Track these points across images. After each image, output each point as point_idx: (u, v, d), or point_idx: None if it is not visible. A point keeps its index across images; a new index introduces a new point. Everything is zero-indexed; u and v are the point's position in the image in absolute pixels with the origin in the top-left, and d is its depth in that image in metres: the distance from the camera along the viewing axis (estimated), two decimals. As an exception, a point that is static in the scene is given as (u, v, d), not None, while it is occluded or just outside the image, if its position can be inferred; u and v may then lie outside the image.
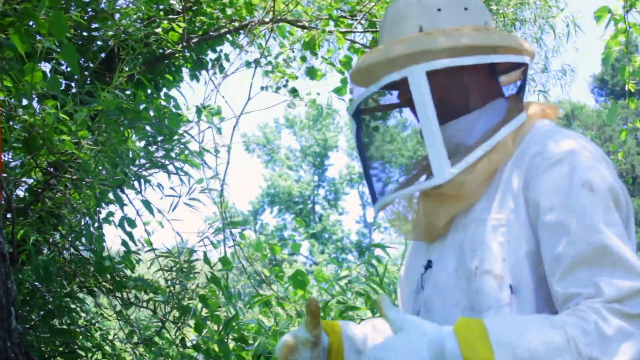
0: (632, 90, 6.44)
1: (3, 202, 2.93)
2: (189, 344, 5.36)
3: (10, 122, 4.37)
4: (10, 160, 4.60)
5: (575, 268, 1.93)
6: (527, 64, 2.29)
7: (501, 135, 2.18)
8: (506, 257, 2.04)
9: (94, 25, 6.19)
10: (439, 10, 2.29)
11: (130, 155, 4.62)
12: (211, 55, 7.46)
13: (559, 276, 1.96)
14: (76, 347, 4.81)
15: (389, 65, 2.24)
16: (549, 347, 1.85)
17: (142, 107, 5.68)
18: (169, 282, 5.19)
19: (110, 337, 5.26)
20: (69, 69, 5.73)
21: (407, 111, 2.35)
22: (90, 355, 4.92)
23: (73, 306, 4.84)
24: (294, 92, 7.86)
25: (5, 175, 4.21)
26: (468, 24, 2.26)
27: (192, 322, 5.25)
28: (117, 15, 6.38)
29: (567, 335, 1.86)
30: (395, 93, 2.42)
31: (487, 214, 2.11)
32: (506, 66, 2.37)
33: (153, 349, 5.20)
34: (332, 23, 7.16)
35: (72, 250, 4.89)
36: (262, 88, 7.69)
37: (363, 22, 7.30)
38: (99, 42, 6.35)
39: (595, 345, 1.85)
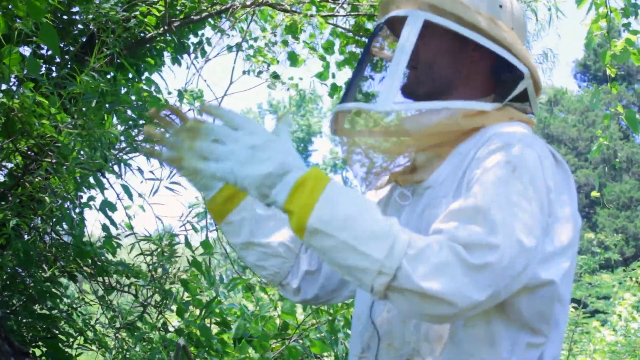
0: (613, 75, 6.45)
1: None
2: (171, 328, 5.35)
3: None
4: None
5: (453, 213, 1.94)
6: (524, 75, 2.26)
7: (452, 104, 2.21)
8: None
9: (75, 9, 6.14)
10: None
11: (110, 139, 4.59)
12: (193, 39, 7.42)
13: (439, 218, 1.98)
14: (58, 332, 4.79)
15: (403, 2, 2.30)
16: (367, 228, 1.87)
17: (123, 91, 5.65)
18: (150, 267, 5.17)
19: (92, 322, 5.23)
20: (49, 53, 5.69)
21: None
22: (72, 340, 4.90)
23: (54, 291, 4.82)
24: (275, 76, 7.86)
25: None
26: (493, 15, 2.28)
27: (174, 307, 5.23)
28: (98, -1, 6.34)
29: (392, 233, 1.87)
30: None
31: (444, 197, 2.14)
32: (507, 79, 2.34)
33: (135, 333, 5.18)
34: (314, 7, 7.14)
35: (52, 234, 4.87)
36: (244, 72, 7.66)
37: (345, 6, 7.27)
38: (79, 26, 6.30)
39: (410, 259, 1.84)
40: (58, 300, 4.87)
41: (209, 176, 1.98)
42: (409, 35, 2.21)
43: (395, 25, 2.42)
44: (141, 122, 4.96)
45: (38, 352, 4.62)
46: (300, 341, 5.42)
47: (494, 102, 2.29)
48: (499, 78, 2.33)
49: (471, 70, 2.32)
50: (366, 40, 7.31)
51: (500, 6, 2.32)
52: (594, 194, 7.26)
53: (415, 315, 1.95)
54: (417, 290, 1.83)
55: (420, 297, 1.84)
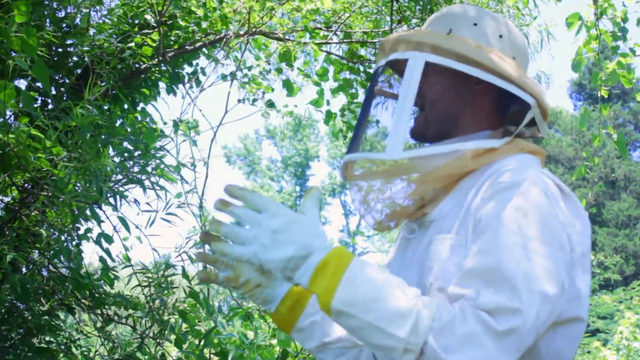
0: (606, 96, 6.49)
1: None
2: (170, 359, 5.34)
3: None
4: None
5: (471, 275, 1.94)
6: (531, 105, 2.25)
7: (462, 146, 2.20)
8: None
9: (69, 41, 6.17)
10: (475, 25, 2.33)
11: (107, 171, 4.61)
12: (187, 69, 7.44)
13: (456, 280, 1.98)
14: (57, 365, 4.80)
15: (401, 45, 2.32)
16: (389, 308, 1.88)
17: (118, 122, 5.67)
18: (148, 298, 5.17)
19: (91, 354, 5.24)
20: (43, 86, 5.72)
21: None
22: (71, 372, 4.91)
23: (53, 324, 4.82)
24: (270, 104, 7.87)
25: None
26: (496, 48, 2.30)
27: (172, 338, 5.23)
28: (93, 31, 6.37)
29: (416, 310, 1.88)
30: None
31: (448, 232, 2.12)
32: (514, 110, 2.37)
33: (134, 364, 5.20)
34: (307, 35, 7.17)
35: (50, 267, 4.88)
36: (239, 101, 7.66)
37: (339, 33, 7.30)
38: (74, 58, 6.33)
39: (435, 333, 1.86)
40: (57, 333, 4.87)
41: (236, 259, 2.03)
42: (412, 79, 2.23)
43: (396, 66, 2.44)
44: (136, 153, 4.97)
45: (37, 386, 4.62)
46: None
47: (503, 135, 2.29)
48: (505, 110, 2.35)
49: (476, 105, 2.33)
50: (360, 66, 7.35)
51: (500, 36, 2.33)
52: (582, 203, 7.25)
53: None
54: None
55: None
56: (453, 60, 2.22)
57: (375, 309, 1.88)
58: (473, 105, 2.32)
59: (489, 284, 1.90)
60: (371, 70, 6.99)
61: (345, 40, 7.32)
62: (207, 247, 2.22)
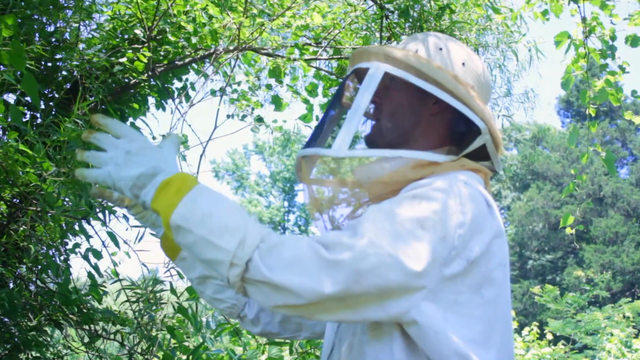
0: (594, 114, 6.53)
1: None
2: (158, 375, 5.33)
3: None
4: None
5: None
6: (481, 130, 2.30)
7: (405, 153, 2.26)
8: None
9: (58, 56, 6.17)
10: (440, 49, 2.42)
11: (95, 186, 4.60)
12: (177, 84, 7.45)
13: None
14: (44, 380, 4.78)
15: (367, 56, 2.40)
16: (221, 223, 1.98)
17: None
18: (137, 314, 5.17)
19: (78, 370, 5.24)
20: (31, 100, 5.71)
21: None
22: (58, 388, 4.89)
23: (40, 339, 4.80)
24: (259, 120, 7.89)
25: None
26: (454, 72, 2.35)
27: (160, 354, 5.22)
28: (82, 45, 6.37)
29: (246, 227, 1.97)
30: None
31: None
32: (464, 132, 2.38)
33: (122, 380, 5.18)
34: (297, 51, 7.18)
35: (38, 282, 4.86)
36: (228, 116, 7.67)
37: (328, 49, 7.31)
38: (63, 72, 6.32)
39: (262, 251, 1.94)
40: (44, 349, 4.85)
41: (93, 180, 2.16)
42: (369, 86, 2.31)
43: (357, 77, 2.52)
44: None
45: (24, 402, 4.60)
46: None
47: (449, 154, 2.32)
48: (456, 132, 2.39)
49: (429, 123, 2.39)
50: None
51: (463, 64, 2.41)
52: (569, 220, 7.24)
53: (268, 306, 1.98)
54: (267, 282, 1.92)
55: (271, 289, 1.92)
56: (413, 75, 2.30)
57: (208, 224, 1.97)
58: (426, 124, 2.39)
59: (343, 229, 2.00)
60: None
61: (334, 57, 7.34)
62: None
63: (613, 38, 6.37)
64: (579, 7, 6.20)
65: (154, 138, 6.55)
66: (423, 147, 2.34)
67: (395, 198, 2.07)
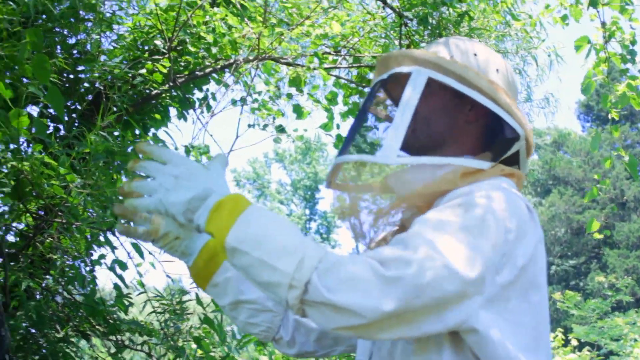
0: (617, 118, 6.50)
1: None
2: (184, 385, 5.34)
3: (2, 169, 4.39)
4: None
5: (391, 244, 1.99)
6: (520, 136, 2.29)
7: (455, 161, 2.24)
8: None
9: (80, 68, 6.21)
10: (475, 55, 2.39)
11: (120, 198, 4.63)
12: (198, 94, 7.47)
13: None
14: (71, 391, 4.81)
15: (405, 60, 2.37)
16: (278, 244, 1.94)
17: (130, 148, 5.70)
18: (163, 324, 5.18)
19: (105, 381, 5.25)
20: (55, 112, 5.75)
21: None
22: (85, 399, 4.93)
23: (68, 351, 4.82)
24: (280, 129, 7.90)
25: (-5, 221, 4.23)
26: (488, 77, 2.34)
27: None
28: (103, 57, 6.41)
29: (304, 248, 1.93)
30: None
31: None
32: (502, 139, 2.36)
33: (148, 390, 5.21)
34: (316, 60, 7.19)
35: (64, 294, 4.89)
36: (249, 126, 7.71)
37: (347, 57, 7.33)
38: (85, 84, 6.37)
39: (321, 272, 1.90)
40: (71, 360, 4.89)
41: (145, 210, 2.12)
42: (413, 91, 2.26)
43: (393, 82, 2.47)
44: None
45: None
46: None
47: (490, 160, 2.31)
48: (490, 138, 2.37)
49: (465, 129, 2.36)
50: (368, 91, 7.37)
51: (497, 70, 2.39)
52: (595, 226, 7.18)
53: (329, 328, 1.95)
54: (327, 303, 1.88)
55: (331, 310, 1.88)
56: (454, 80, 2.28)
57: (265, 245, 1.94)
58: (462, 129, 2.36)
59: (395, 244, 1.97)
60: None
61: (354, 65, 7.35)
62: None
63: (633, 42, 6.34)
64: (598, 11, 6.17)
65: (176, 148, 6.57)
66: (457, 154, 2.33)
67: (440, 208, 2.06)
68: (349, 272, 1.88)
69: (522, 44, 7.86)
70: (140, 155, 2.19)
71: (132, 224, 2.34)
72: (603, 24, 6.18)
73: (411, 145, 2.34)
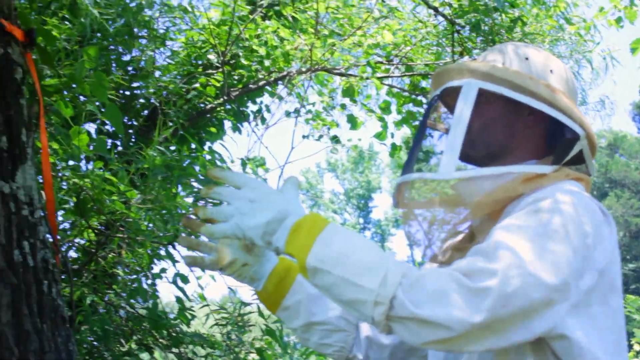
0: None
1: (59, 265, 3.00)
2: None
3: (61, 185, 4.45)
4: (61, 221, 4.67)
5: (469, 255, 1.97)
6: (580, 136, 2.26)
7: (514, 169, 2.22)
8: None
9: (135, 84, 6.28)
10: (527, 59, 2.37)
11: (180, 212, 4.68)
12: (252, 107, 7.54)
13: None
14: (137, 404, 4.86)
15: (456, 74, 2.36)
16: (360, 262, 1.93)
17: (186, 162, 5.74)
18: (225, 336, 5.21)
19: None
20: (113, 128, 5.82)
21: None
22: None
23: (132, 364, 4.88)
24: (335, 139, 7.91)
25: (58, 237, 4.28)
26: (545, 80, 2.31)
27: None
28: (158, 73, 6.48)
29: (386, 264, 1.92)
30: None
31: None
32: (561, 142, 2.33)
33: (211, 402, 5.23)
34: (369, 69, 7.20)
35: (127, 308, 4.94)
36: (303, 137, 7.74)
37: (400, 66, 7.34)
38: (141, 100, 6.44)
39: (405, 287, 1.88)
40: (136, 373, 4.93)
41: (222, 235, 2.11)
42: (465, 104, 2.26)
43: (449, 96, 2.46)
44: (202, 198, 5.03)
45: None
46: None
47: (552, 164, 2.27)
48: (553, 140, 2.34)
49: (526, 134, 2.34)
50: (422, 98, 7.38)
51: (551, 71, 2.36)
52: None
53: (417, 343, 1.93)
54: (413, 317, 1.86)
55: (418, 324, 1.87)
56: (507, 88, 2.26)
57: (347, 263, 1.93)
58: (522, 134, 2.34)
59: (475, 255, 1.94)
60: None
61: (406, 73, 7.36)
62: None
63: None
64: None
65: (232, 162, 6.62)
66: (522, 159, 2.31)
67: (517, 214, 2.04)
68: (434, 285, 1.87)
69: (577, 47, 7.80)
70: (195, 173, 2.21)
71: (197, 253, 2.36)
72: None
73: (473, 157, 2.34)
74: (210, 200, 4.42)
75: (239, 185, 2.13)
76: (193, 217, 2.31)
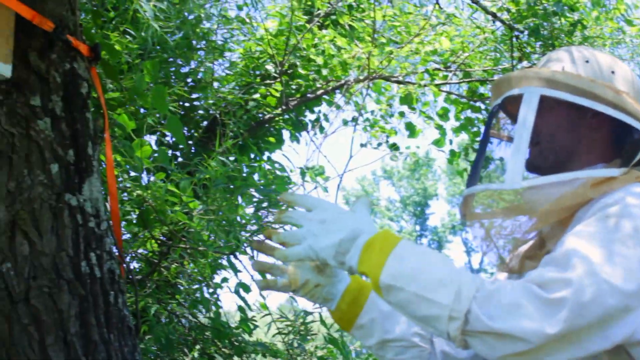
0: None
1: (124, 275, 3.03)
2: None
3: (122, 197, 4.50)
4: (124, 232, 4.71)
5: (541, 265, 1.96)
6: None
7: (581, 174, 2.20)
8: None
9: (195, 95, 6.33)
10: (587, 62, 2.35)
11: (241, 222, 4.70)
12: (310, 116, 7.56)
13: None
14: (200, 412, 4.89)
15: (516, 82, 2.34)
16: (433, 277, 1.92)
17: (245, 172, 5.76)
18: (287, 345, 5.22)
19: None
20: (173, 139, 5.86)
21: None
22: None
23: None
24: (393, 147, 7.90)
25: (122, 248, 4.32)
26: (607, 82, 2.28)
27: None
28: (217, 84, 6.52)
29: (459, 279, 1.91)
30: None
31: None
32: (629, 143, 2.29)
33: (274, 410, 5.26)
34: (427, 76, 7.20)
35: (190, 317, 4.98)
36: (361, 145, 7.75)
37: (458, 73, 7.32)
38: (200, 111, 6.49)
39: (480, 301, 1.87)
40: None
41: (296, 258, 2.13)
42: (528, 112, 2.24)
43: (510, 104, 2.44)
44: (265, 204, 5.05)
45: None
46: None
47: (620, 166, 2.24)
48: (620, 142, 2.31)
49: (592, 137, 2.30)
50: (481, 104, 7.35)
51: (613, 72, 2.32)
52: None
53: (494, 357, 1.92)
54: (489, 331, 1.86)
55: (495, 338, 1.86)
56: (568, 93, 2.24)
57: (419, 279, 1.93)
58: (588, 138, 2.30)
59: (550, 264, 1.92)
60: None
61: (464, 80, 7.33)
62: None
63: None
64: None
65: (291, 171, 6.64)
66: (590, 164, 2.28)
67: (588, 221, 2.02)
68: (508, 298, 1.86)
69: (638, 49, 7.71)
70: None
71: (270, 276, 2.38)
72: None
73: (540, 165, 2.31)
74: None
75: (310, 207, 2.15)
76: (262, 238, 2.34)
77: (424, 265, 1.97)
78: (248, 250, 4.81)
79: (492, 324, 1.85)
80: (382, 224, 43.86)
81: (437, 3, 6.94)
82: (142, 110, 4.77)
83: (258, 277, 5.01)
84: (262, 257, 2.41)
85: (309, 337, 5.24)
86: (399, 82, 7.36)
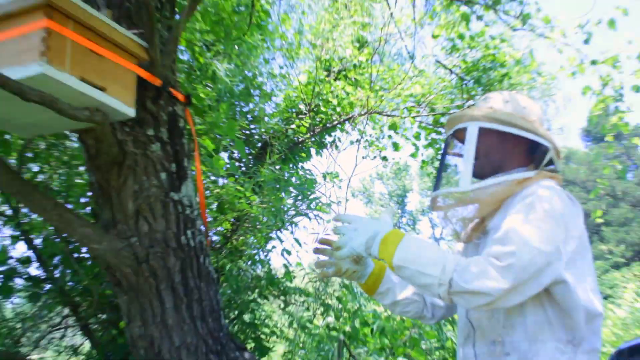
0: (611, 140, 6.42)
1: (209, 244, 3.06)
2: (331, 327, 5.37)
3: (207, 193, 4.51)
4: (208, 217, 4.71)
5: (491, 244, 1.98)
6: (549, 148, 2.26)
7: (509, 177, 2.22)
8: None
9: (253, 126, 6.32)
10: (507, 102, 2.36)
11: (284, 209, 4.71)
12: (329, 139, 7.53)
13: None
14: (260, 333, 4.88)
15: (462, 119, 2.36)
16: (428, 259, 1.99)
17: (286, 176, 5.76)
18: (316, 289, 5.23)
19: (279, 326, 5.31)
20: (239, 155, 5.86)
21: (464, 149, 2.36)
22: (268, 337, 4.98)
23: (255, 307, 4.89)
24: (384, 158, 7.92)
25: (207, 227, 4.33)
26: (521, 114, 2.31)
27: (332, 314, 5.28)
28: (267, 118, 6.52)
29: (444, 258, 1.97)
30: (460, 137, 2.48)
31: (494, 235, 2.08)
32: (542, 150, 2.30)
33: (306, 331, 5.26)
34: (406, 111, 7.18)
35: (251, 271, 4.97)
36: (363, 157, 7.74)
37: (426, 108, 7.28)
38: (256, 137, 6.48)
39: (458, 272, 1.93)
40: (258, 313, 4.95)
41: (345, 255, 2.19)
42: (471, 138, 2.27)
43: (459, 133, 2.45)
44: (299, 197, 5.03)
45: (249, 346, 4.69)
46: (419, 331, 5.41)
47: (535, 169, 2.28)
48: (533, 153, 2.31)
49: (514, 152, 2.31)
50: (442, 130, 7.30)
51: (525, 107, 2.32)
52: (599, 213, 7.13)
53: (471, 307, 1.97)
54: (466, 291, 1.91)
55: (470, 295, 1.91)
56: (497, 124, 2.26)
57: (419, 261, 2.00)
58: (511, 152, 2.31)
59: (496, 243, 1.95)
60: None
61: (431, 113, 7.29)
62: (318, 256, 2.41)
63: (620, 88, 6.24)
64: (596, 68, 6.11)
65: (316, 175, 6.62)
66: (514, 168, 2.30)
67: (518, 207, 2.04)
68: (477, 268, 1.91)
69: (545, 91, 7.72)
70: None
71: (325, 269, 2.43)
72: (601, 77, 6.08)
73: (481, 173, 2.31)
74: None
75: (349, 221, 2.22)
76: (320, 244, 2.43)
77: (421, 251, 2.02)
78: (289, 227, 4.81)
79: (467, 286, 1.91)
80: (375, 209, 43.78)
81: (413, 62, 6.92)
82: (218, 137, 4.76)
83: (296, 245, 5.01)
84: (315, 256, 2.49)
85: (329, 284, 5.24)
86: (387, 115, 7.32)
